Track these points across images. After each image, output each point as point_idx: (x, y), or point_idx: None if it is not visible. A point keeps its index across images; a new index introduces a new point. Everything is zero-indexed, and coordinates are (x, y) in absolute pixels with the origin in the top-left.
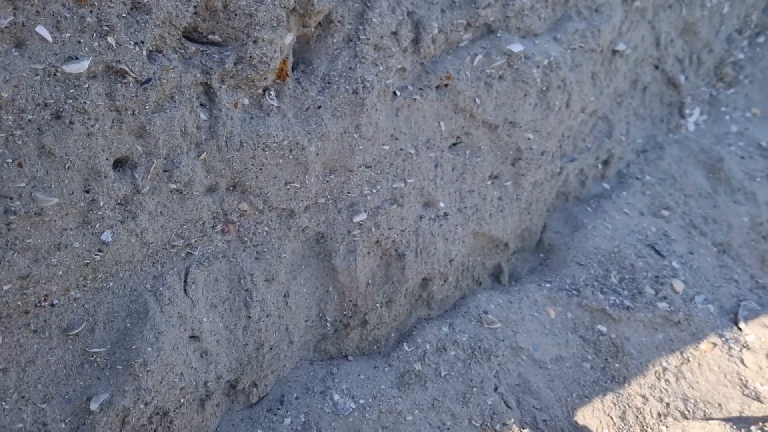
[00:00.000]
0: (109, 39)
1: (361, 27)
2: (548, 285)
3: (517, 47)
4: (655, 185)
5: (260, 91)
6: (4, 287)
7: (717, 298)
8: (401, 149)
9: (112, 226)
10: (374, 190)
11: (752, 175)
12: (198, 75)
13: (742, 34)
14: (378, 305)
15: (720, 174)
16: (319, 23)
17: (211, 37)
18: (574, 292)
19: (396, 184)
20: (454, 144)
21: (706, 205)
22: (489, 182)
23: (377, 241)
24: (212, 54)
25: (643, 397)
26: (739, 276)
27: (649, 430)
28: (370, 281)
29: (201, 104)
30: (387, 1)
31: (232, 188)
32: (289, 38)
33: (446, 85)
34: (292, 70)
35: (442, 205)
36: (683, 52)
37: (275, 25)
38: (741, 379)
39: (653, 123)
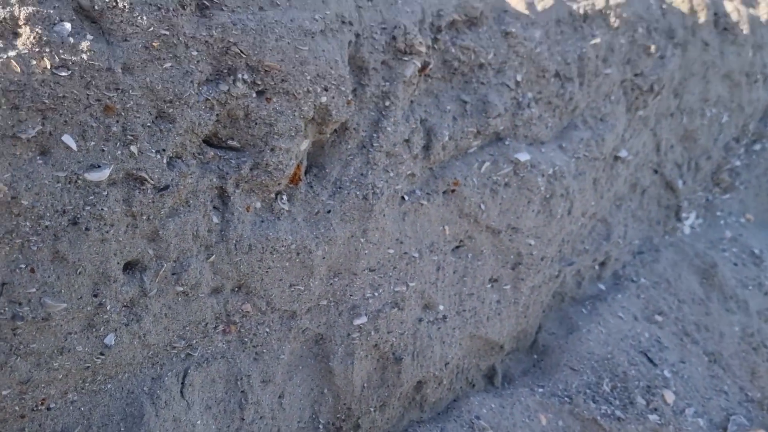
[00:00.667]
0: (132, 147)
1: (375, 134)
2: (541, 390)
3: (524, 156)
4: (649, 288)
5: (273, 195)
6: (3, 392)
7: (707, 411)
8: (405, 253)
9: (116, 329)
10: (376, 294)
11: (745, 283)
12: (214, 179)
13: (740, 142)
14: (372, 409)
15: (713, 280)
16: (335, 130)
17: (229, 142)
18: (566, 399)
19: (398, 287)
20: (457, 247)
21: (699, 311)
22: (489, 285)
23: (376, 345)
24: (230, 159)
25: None
26: (729, 388)
27: None
28: (365, 384)
29: (214, 207)
30: (402, 109)
31: (237, 290)
32: (305, 144)
33: (453, 191)
34: (305, 173)
35: (441, 308)
36: (682, 158)
37: (293, 134)
38: None
39: (650, 225)
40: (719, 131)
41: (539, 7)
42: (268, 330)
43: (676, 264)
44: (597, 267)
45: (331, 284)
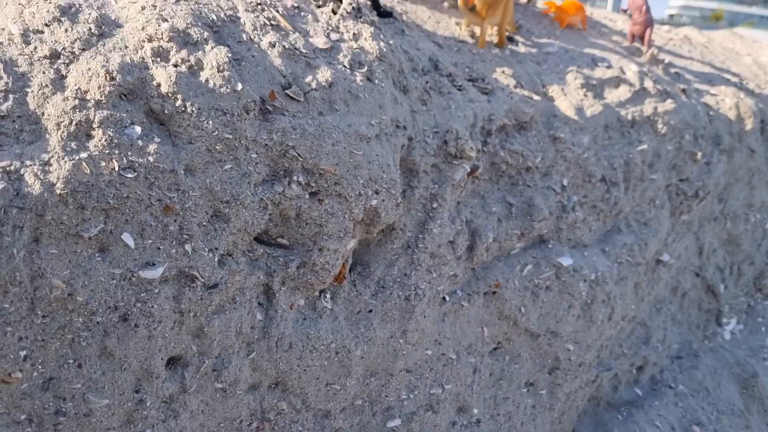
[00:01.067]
0: (187, 246)
1: (420, 236)
2: None
3: (566, 260)
4: (687, 397)
5: (317, 293)
6: None
7: None
8: (443, 354)
9: (153, 426)
10: (411, 396)
11: None
12: (261, 277)
13: None
14: None
15: (753, 391)
16: (382, 229)
17: (279, 240)
18: None
19: (434, 389)
20: (495, 349)
21: (738, 424)
22: (524, 390)
23: None
24: (278, 257)
25: None
26: None
27: None
28: None
29: (259, 304)
30: (448, 211)
31: (273, 387)
32: (352, 243)
33: (494, 293)
34: (350, 271)
35: (476, 411)
36: (725, 262)
37: (342, 235)
38: None
39: (689, 329)
40: (762, 237)
41: (588, 113)
42: (300, 429)
43: (715, 371)
44: (635, 371)
45: (367, 384)
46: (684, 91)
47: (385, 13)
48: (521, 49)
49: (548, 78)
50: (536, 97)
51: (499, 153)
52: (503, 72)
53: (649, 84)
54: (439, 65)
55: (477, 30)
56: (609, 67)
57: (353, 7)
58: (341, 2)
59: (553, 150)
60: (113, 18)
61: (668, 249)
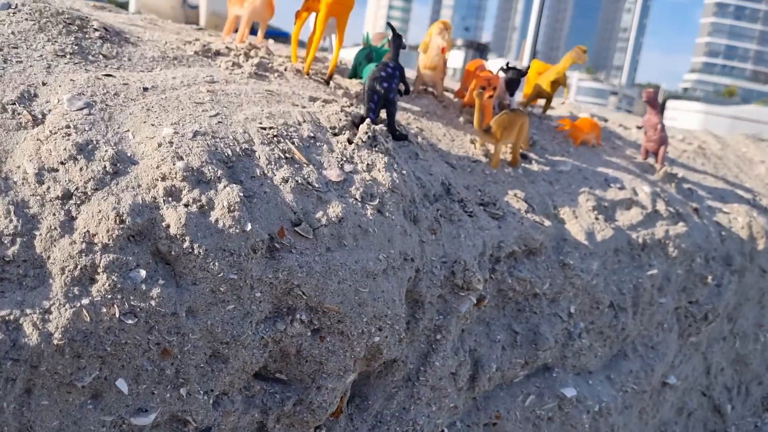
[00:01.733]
0: (182, 390)
1: (422, 368)
2: None
3: (570, 391)
4: None
5: (312, 429)
6: None
7: None
8: None
9: None
10: None
11: None
12: (256, 415)
13: None
14: None
15: None
16: (383, 362)
17: (277, 375)
18: None
19: None
20: None
21: None
22: None
23: None
24: (275, 393)
25: None
26: None
27: None
28: None
29: None
30: (452, 342)
31: None
32: (351, 377)
33: (494, 424)
34: (347, 403)
35: None
36: (732, 382)
37: (341, 374)
38: None
39: None
40: None
41: (599, 237)
42: None
43: None
44: None
45: None
46: (696, 210)
47: (400, 137)
48: (534, 167)
49: (560, 199)
50: (547, 223)
51: (506, 280)
52: (515, 195)
53: (661, 206)
54: (451, 189)
55: (491, 148)
56: (622, 188)
57: (369, 136)
58: (357, 131)
59: (561, 276)
60: (129, 154)
61: (675, 371)
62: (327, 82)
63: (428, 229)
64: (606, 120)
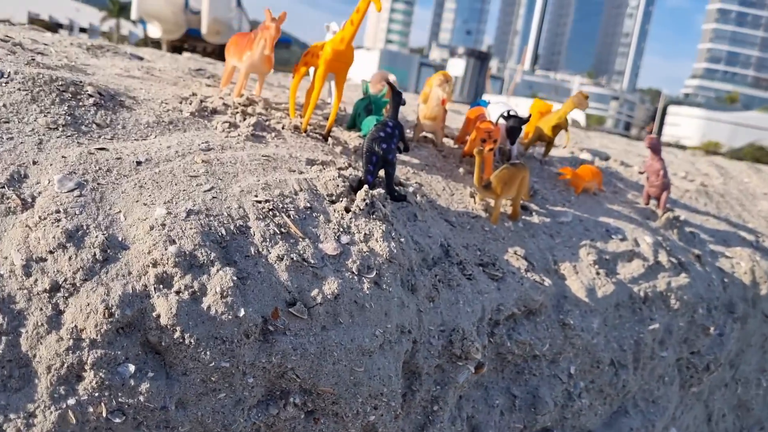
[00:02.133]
0: None
1: None
2: None
3: None
4: None
5: None
6: None
7: None
8: None
9: None
10: None
11: None
12: None
13: None
14: None
15: None
16: None
17: None
18: None
19: None
20: None
21: None
22: None
23: None
24: None
25: None
26: None
27: None
28: None
29: None
30: (449, 412)
31: None
32: None
33: None
34: None
35: None
36: (734, 428)
37: None
38: None
39: None
40: None
41: (599, 293)
42: None
43: None
44: None
45: None
46: (699, 257)
47: (399, 197)
48: (535, 218)
49: (561, 253)
50: (547, 282)
51: (505, 343)
52: (515, 253)
53: (663, 257)
54: (450, 251)
55: (492, 202)
56: (623, 239)
57: (366, 203)
58: (355, 196)
59: (561, 336)
60: (120, 239)
61: (676, 423)
62: (325, 138)
63: (426, 297)
64: (608, 158)
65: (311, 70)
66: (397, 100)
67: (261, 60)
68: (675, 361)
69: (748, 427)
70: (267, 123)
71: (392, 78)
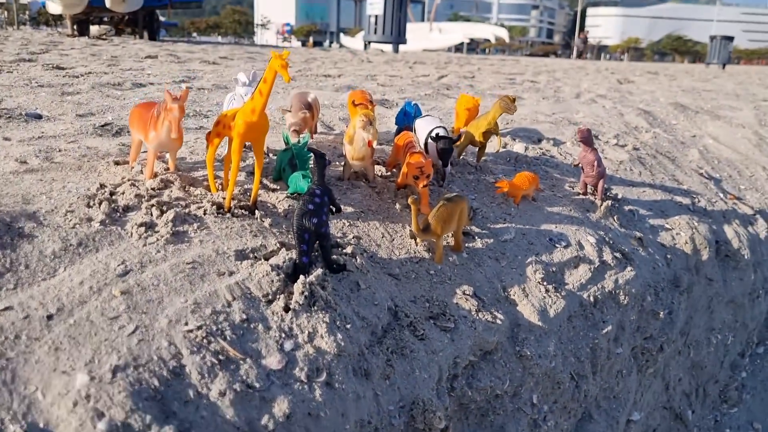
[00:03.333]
0: None
1: None
2: None
3: None
4: None
5: None
6: None
7: None
8: None
9: None
10: None
11: None
12: None
13: (744, 356)
14: None
15: None
16: None
17: None
18: None
19: None
20: None
21: None
22: None
23: None
24: None
25: None
26: None
27: None
28: None
29: None
30: None
31: None
32: None
33: None
34: None
35: None
36: (690, 387)
37: None
38: None
39: None
40: (725, 353)
41: (551, 312)
42: None
43: None
44: None
45: None
46: (641, 240)
47: (338, 269)
48: (478, 243)
49: (508, 277)
50: (499, 318)
51: (467, 393)
52: (463, 293)
53: (607, 254)
54: (399, 312)
55: (434, 240)
56: (567, 245)
57: (306, 296)
58: (293, 288)
59: (520, 368)
60: (42, 426)
61: (637, 406)
62: (252, 212)
63: (381, 376)
64: (540, 140)
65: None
66: (322, 163)
67: (169, 141)
68: (630, 351)
69: (702, 384)
70: (187, 212)
71: (311, 97)
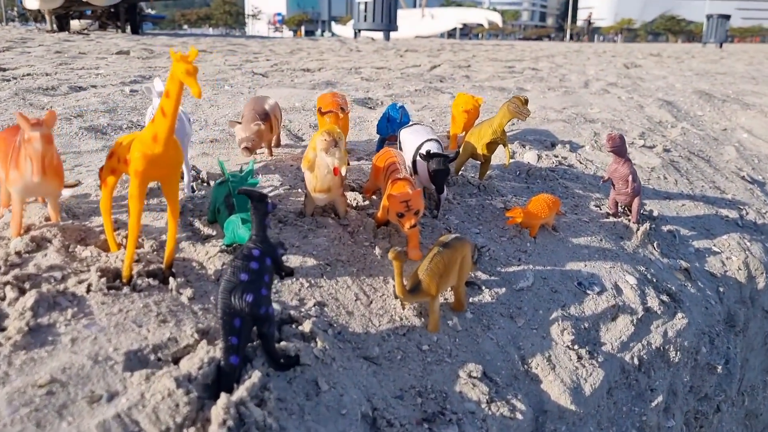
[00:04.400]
0: None
1: None
2: None
3: None
4: None
5: None
6: None
7: None
8: None
9: None
10: None
11: None
12: None
13: None
14: None
15: None
16: None
17: None
18: None
19: None
20: None
21: None
22: None
23: None
24: None
25: None
26: None
27: None
28: None
29: None
30: None
31: None
32: None
33: None
34: None
35: None
36: None
37: None
38: None
39: None
40: None
41: (587, 389)
42: None
43: None
44: None
45: None
46: (687, 271)
47: (288, 363)
48: (486, 296)
49: (528, 342)
50: (519, 408)
51: None
52: (469, 375)
53: (652, 300)
54: (378, 420)
55: (427, 303)
56: (601, 291)
57: (229, 427)
58: (209, 413)
59: None
60: None
61: None
62: (165, 280)
63: None
64: (554, 145)
65: None
66: (262, 209)
67: (41, 178)
68: (683, 419)
69: None
70: (61, 289)
71: (270, 104)
